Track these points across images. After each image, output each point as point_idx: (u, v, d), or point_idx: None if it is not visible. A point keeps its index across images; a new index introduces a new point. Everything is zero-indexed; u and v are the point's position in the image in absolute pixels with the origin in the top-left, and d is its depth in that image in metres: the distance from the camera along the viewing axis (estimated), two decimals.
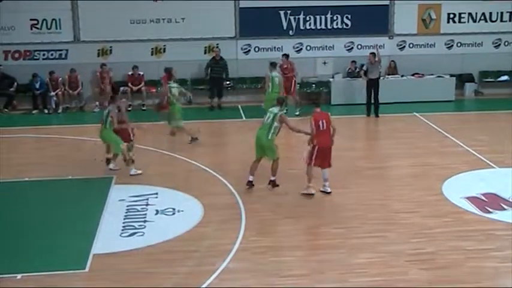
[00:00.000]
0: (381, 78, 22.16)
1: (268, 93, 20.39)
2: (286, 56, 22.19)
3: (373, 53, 21.61)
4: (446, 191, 14.65)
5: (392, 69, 23.73)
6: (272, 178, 14.83)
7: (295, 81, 22.03)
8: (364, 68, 21.87)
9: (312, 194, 14.35)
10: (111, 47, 23.66)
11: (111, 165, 16.31)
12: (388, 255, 11.66)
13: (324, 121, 14.34)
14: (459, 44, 24.52)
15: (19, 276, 11.07)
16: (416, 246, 11.97)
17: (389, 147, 18.34)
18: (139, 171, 15.90)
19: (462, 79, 24.49)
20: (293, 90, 21.99)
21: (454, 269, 11.06)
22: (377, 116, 21.62)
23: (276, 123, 14.43)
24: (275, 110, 14.63)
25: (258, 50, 23.91)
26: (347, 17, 23.81)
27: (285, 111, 15.68)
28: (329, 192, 14.50)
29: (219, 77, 23.15)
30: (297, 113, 21.45)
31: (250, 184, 14.76)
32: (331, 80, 23.58)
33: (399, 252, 11.73)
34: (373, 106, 21.72)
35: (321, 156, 14.22)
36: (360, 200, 14.29)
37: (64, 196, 15.14)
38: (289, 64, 22.02)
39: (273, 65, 20.86)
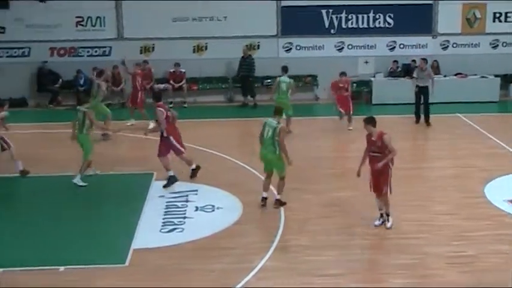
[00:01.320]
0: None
1: (275, 99, 19.14)
2: (344, 74, 20.24)
3: (424, 59, 20.78)
4: (488, 194, 14.44)
5: (435, 69, 23.43)
6: (277, 197, 13.88)
7: (350, 98, 20.29)
8: (415, 74, 20.83)
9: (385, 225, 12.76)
10: (153, 44, 23.84)
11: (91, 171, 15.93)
12: (427, 257, 11.54)
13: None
14: (504, 44, 24.22)
15: (62, 268, 11.23)
16: (456, 249, 11.83)
17: (431, 148, 18.20)
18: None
19: (507, 79, 24.14)
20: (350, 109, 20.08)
21: (494, 273, 10.87)
22: (428, 124, 20.62)
23: (277, 138, 13.35)
24: (273, 123, 13.52)
25: (300, 49, 23.88)
26: (389, 16, 23.65)
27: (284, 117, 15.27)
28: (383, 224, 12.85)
29: (246, 74, 23.17)
30: (351, 128, 19.69)
31: (264, 200, 13.83)
32: (372, 79, 23.45)
33: (439, 255, 11.60)
34: (423, 114, 20.71)
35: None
36: (399, 201, 14.12)
37: (105, 191, 15.31)
38: (346, 83, 20.29)
39: (284, 69, 19.81)
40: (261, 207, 13.68)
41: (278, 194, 13.85)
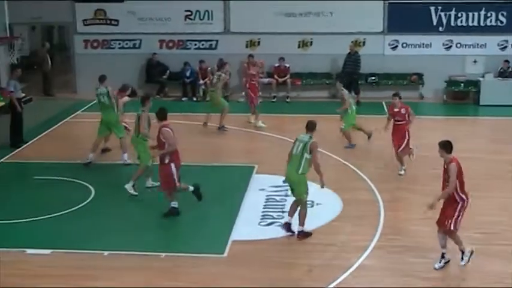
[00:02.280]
0: None
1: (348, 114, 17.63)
2: (398, 96, 16.12)
3: None
4: None
5: None
6: (299, 228, 12.29)
7: (408, 131, 15.82)
8: None
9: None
10: (259, 38, 24.03)
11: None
12: None
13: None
14: None
15: (163, 255, 11.55)
16: None
17: None
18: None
19: None
20: (404, 146, 15.72)
21: None
22: None
23: (307, 155, 12.06)
24: (305, 137, 12.18)
25: (406, 46, 23.59)
26: (502, 14, 23.04)
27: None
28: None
29: (351, 71, 23.03)
30: (401, 173, 15.65)
31: (287, 226, 12.45)
32: (481, 79, 22.90)
33: None
34: None
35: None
36: (503, 206, 13.84)
37: (207, 182, 15.50)
38: (403, 108, 15.92)
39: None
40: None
41: (300, 225, 12.27)
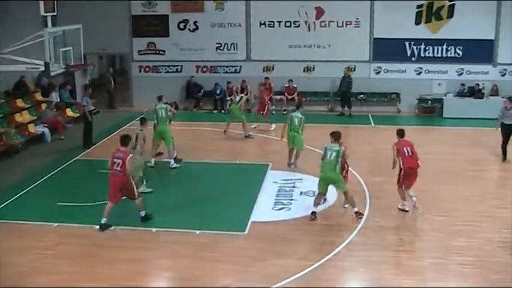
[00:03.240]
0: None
1: (287, 132, 15.91)
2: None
3: (510, 98, 16.99)
4: None
5: (495, 92, 22.55)
6: (356, 209, 12.32)
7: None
8: (500, 113, 16.80)
9: (407, 211, 12.54)
10: (273, 65, 24.00)
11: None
12: (482, 241, 11.23)
13: (408, 148, 12.31)
14: None
15: (198, 232, 11.58)
16: (506, 236, 11.44)
17: (488, 154, 17.47)
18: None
19: None
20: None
21: None
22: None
23: (340, 159, 12.10)
24: (335, 147, 12.14)
25: (387, 71, 23.44)
26: (459, 48, 22.87)
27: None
28: (406, 211, 12.53)
29: (345, 90, 22.95)
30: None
31: (314, 214, 12.32)
32: (444, 97, 22.79)
33: (492, 240, 11.26)
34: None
35: (407, 178, 12.33)
36: (462, 195, 13.79)
37: (232, 176, 15.54)
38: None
39: (297, 105, 16.42)
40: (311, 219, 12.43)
41: (354, 207, 12.32)
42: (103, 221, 11.72)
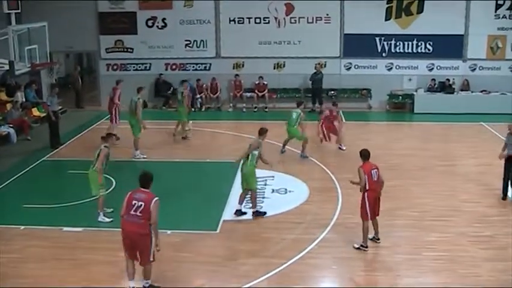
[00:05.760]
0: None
1: (286, 129, 16.89)
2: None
3: None
4: None
5: (465, 86, 22.92)
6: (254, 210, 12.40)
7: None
8: (505, 140, 13.57)
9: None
10: (243, 61, 24.00)
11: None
12: (453, 235, 11.42)
13: (376, 171, 10.81)
14: None
15: (169, 232, 11.48)
16: (476, 230, 11.66)
17: (459, 149, 17.79)
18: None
19: None
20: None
21: (506, 250, 10.70)
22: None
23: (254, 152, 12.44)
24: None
25: (357, 68, 23.62)
26: (429, 44, 23.14)
27: None
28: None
29: (317, 87, 23.07)
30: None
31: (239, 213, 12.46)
32: (414, 93, 23.05)
33: (462, 234, 11.47)
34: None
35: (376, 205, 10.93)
36: (432, 191, 13.99)
37: (203, 174, 15.53)
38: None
39: (298, 104, 17.20)
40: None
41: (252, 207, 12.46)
42: (131, 285, 9.29)
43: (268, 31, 23.50)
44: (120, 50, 24.20)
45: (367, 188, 10.66)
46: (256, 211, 12.45)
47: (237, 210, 12.47)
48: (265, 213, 12.49)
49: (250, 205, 12.46)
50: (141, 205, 8.78)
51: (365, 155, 10.92)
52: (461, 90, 22.95)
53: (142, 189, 9.03)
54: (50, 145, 17.85)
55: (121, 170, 15.50)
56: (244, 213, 12.49)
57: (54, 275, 9.94)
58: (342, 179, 14.52)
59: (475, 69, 23.24)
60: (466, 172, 15.61)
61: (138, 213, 8.78)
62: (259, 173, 14.71)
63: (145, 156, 16.52)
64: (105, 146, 12.32)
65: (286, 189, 13.48)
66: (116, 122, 18.48)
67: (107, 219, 12.19)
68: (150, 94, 23.99)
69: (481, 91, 22.73)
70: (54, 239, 11.35)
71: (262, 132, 12.66)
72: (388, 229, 11.78)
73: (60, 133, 18.23)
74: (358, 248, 10.83)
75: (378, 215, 10.98)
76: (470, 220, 12.17)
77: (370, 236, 11.04)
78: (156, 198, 8.90)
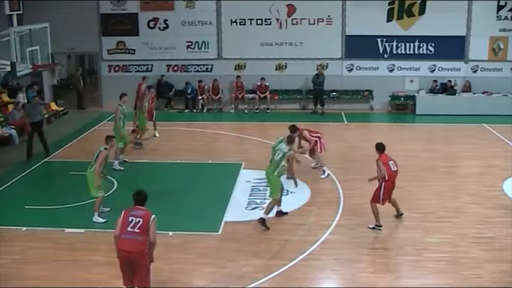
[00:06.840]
0: None
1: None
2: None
3: None
4: (506, 188, 14.07)
5: (467, 88, 22.92)
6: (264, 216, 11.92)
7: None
8: None
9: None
10: (245, 63, 24.00)
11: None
12: (455, 237, 11.40)
13: (393, 162, 11.62)
14: None
15: (171, 233, 11.49)
16: (479, 231, 11.64)
17: (461, 151, 17.76)
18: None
19: None
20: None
21: (508, 251, 10.68)
22: None
23: (284, 163, 11.93)
24: (285, 149, 12.06)
25: (359, 69, 23.61)
26: (431, 45, 23.13)
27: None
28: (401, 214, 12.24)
29: (319, 88, 23.06)
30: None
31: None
32: (416, 94, 23.04)
33: (464, 235, 11.44)
34: None
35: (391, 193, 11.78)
36: (436, 192, 13.97)
37: (205, 176, 15.47)
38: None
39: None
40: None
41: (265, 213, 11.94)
42: None
43: (270, 32, 23.49)
44: (122, 52, 24.20)
45: (387, 178, 11.38)
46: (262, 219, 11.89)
47: (277, 212, 12.31)
48: (268, 228, 11.85)
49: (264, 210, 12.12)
50: (139, 221, 8.41)
51: (380, 147, 11.62)
52: (463, 91, 22.94)
53: (138, 206, 8.72)
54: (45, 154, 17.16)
55: (122, 170, 15.54)
56: (286, 213, 12.45)
57: (55, 276, 9.94)
58: (344, 180, 14.54)
59: (476, 70, 23.23)
60: (468, 173, 15.59)
61: (136, 230, 8.36)
62: (261, 174, 14.73)
63: (122, 168, 15.67)
64: (104, 148, 12.24)
65: (288, 191, 13.42)
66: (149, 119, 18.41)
67: (101, 220, 12.12)
68: None
69: (483, 92, 22.71)
70: (55, 240, 11.34)
71: (291, 141, 12.32)
72: (391, 230, 11.78)
73: (59, 137, 18.05)
74: (373, 228, 11.54)
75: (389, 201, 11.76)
76: (473, 222, 12.15)
77: (395, 213, 12.05)
78: (154, 216, 8.54)
